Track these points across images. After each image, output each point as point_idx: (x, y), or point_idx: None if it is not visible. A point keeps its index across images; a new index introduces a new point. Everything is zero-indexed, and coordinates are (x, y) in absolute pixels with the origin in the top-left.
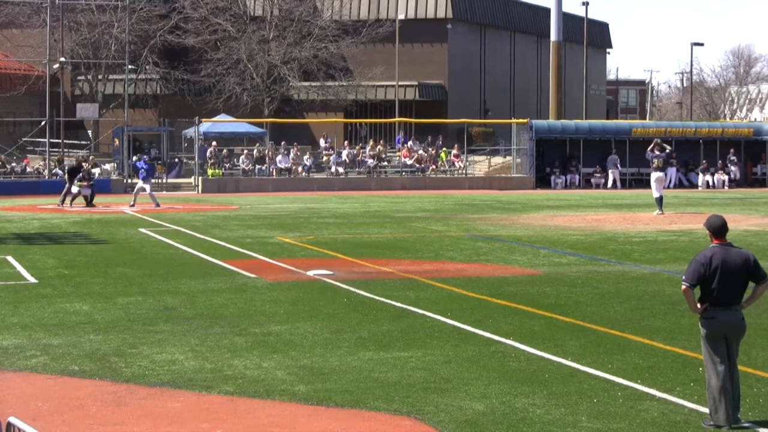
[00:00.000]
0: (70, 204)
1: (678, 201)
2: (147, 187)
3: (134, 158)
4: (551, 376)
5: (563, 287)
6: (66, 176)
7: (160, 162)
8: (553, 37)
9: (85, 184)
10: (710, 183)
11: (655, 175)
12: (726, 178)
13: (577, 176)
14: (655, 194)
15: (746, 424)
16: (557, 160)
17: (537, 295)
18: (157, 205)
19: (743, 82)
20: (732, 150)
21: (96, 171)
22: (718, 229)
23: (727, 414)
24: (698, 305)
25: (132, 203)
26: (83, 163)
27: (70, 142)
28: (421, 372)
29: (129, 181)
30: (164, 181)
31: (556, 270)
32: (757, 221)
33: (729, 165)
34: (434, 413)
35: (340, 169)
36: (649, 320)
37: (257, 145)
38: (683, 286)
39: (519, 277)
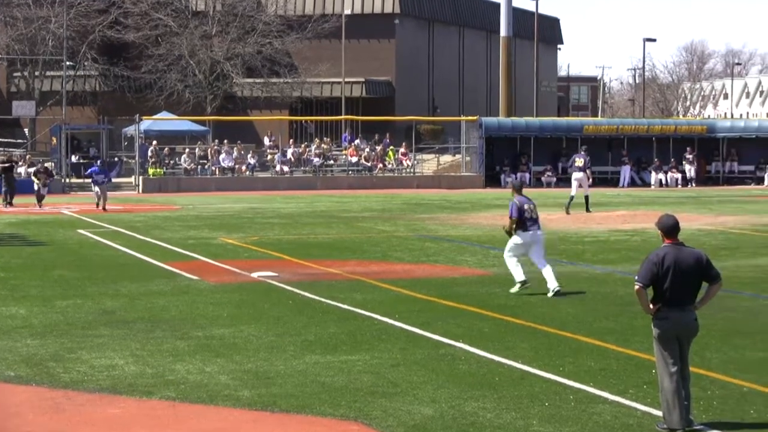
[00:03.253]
0: (40, 205)
1: (631, 200)
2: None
3: (91, 169)
4: (502, 379)
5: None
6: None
7: (98, 161)
8: (503, 32)
9: (41, 181)
10: (663, 181)
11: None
12: (679, 176)
13: (527, 174)
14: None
15: (699, 427)
16: (507, 158)
17: (487, 296)
18: (98, 206)
19: (696, 78)
20: (689, 148)
21: (22, 170)
22: (670, 228)
23: (680, 416)
24: (651, 306)
25: (103, 207)
26: (7, 163)
27: (6, 140)
28: (368, 376)
29: (67, 180)
30: None
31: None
32: (710, 220)
33: (685, 163)
34: (382, 418)
35: (285, 168)
36: (601, 322)
37: (199, 143)
38: (636, 287)
39: (468, 278)
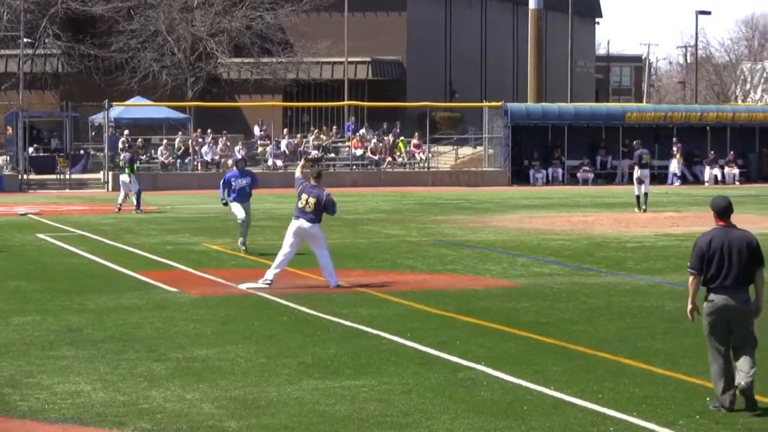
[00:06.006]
0: None
1: (680, 199)
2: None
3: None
4: (530, 408)
5: (545, 302)
6: None
7: (62, 154)
8: (531, 4)
9: None
10: (719, 177)
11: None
12: (737, 171)
13: (560, 170)
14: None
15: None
16: (537, 150)
17: (513, 312)
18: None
19: (758, 57)
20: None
21: None
22: (723, 210)
23: (725, 393)
24: (692, 303)
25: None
26: None
27: None
28: (375, 404)
29: (25, 177)
30: (67, 176)
31: (536, 282)
32: None
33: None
34: None
35: (279, 163)
36: (646, 341)
37: (179, 133)
38: (690, 276)
39: (492, 290)
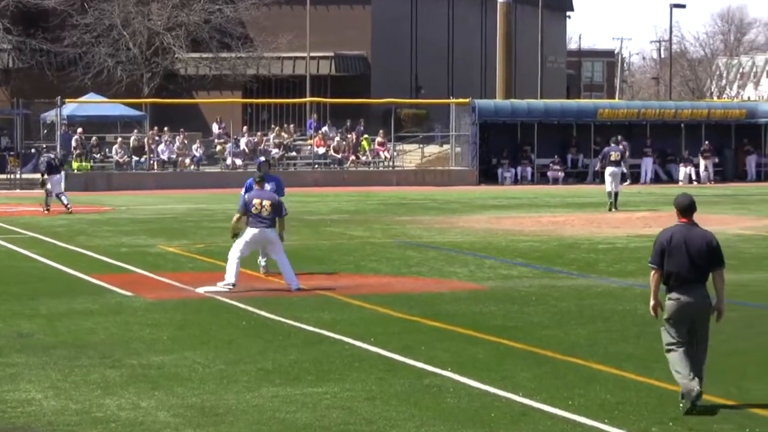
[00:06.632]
0: None
1: (654, 198)
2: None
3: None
4: (498, 416)
5: (513, 305)
6: None
7: (12, 153)
8: None
9: None
10: (692, 176)
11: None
12: (711, 165)
13: (530, 169)
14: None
15: None
16: (506, 149)
17: (481, 316)
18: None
19: (734, 52)
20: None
21: None
22: (685, 207)
23: (689, 381)
24: (654, 300)
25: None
26: None
27: None
28: (337, 412)
29: None
30: (18, 176)
31: (504, 284)
32: (751, 223)
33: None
34: None
35: (238, 162)
36: (618, 345)
37: (135, 131)
38: (652, 271)
39: (458, 294)
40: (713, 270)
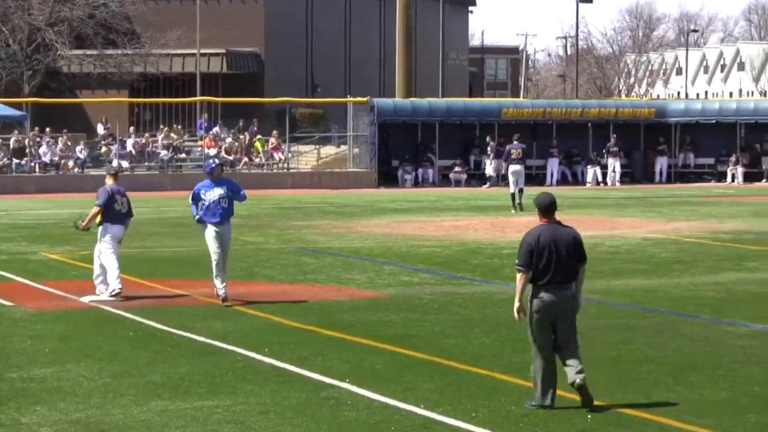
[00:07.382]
0: None
1: (560, 201)
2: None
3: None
4: (399, 429)
5: (414, 314)
6: None
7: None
8: None
9: None
10: (599, 178)
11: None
12: (618, 164)
13: (431, 171)
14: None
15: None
16: (406, 150)
17: (380, 324)
18: None
19: (643, 48)
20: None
21: None
22: (546, 207)
23: (545, 392)
24: (519, 302)
25: None
26: None
27: None
28: (230, 426)
29: None
30: None
31: (404, 291)
32: (660, 226)
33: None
34: None
35: (125, 164)
36: (523, 355)
37: (15, 132)
38: (518, 272)
39: (357, 302)
40: (579, 266)
